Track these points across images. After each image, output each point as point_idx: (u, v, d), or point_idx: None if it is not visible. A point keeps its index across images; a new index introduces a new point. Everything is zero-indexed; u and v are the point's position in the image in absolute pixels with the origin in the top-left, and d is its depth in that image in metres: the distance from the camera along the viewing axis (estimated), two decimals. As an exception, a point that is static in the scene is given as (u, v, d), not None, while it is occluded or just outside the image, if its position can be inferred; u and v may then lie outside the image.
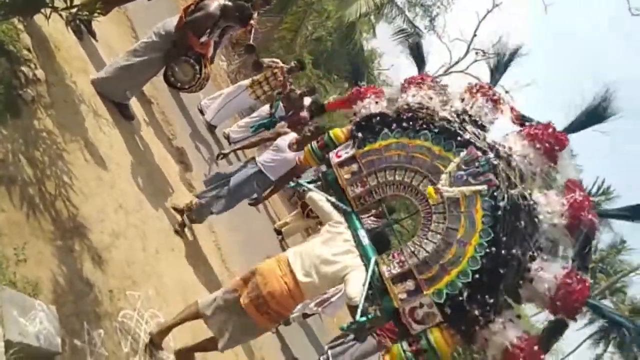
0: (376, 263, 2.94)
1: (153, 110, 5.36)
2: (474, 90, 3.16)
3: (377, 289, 2.87)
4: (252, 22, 6.61)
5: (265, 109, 7.83)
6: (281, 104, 7.72)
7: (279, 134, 5.52)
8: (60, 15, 3.03)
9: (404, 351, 2.72)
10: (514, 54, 3.30)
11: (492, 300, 2.62)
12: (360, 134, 3.26)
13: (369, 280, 2.86)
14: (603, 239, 25.75)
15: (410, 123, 3.11)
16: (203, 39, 4.35)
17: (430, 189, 2.93)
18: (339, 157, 3.29)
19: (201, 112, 7.32)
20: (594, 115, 2.93)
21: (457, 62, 16.93)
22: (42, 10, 2.93)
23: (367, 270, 2.93)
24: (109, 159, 3.70)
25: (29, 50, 3.13)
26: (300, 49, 13.19)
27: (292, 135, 5.26)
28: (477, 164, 2.85)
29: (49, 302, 2.40)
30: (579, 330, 24.89)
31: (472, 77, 16.94)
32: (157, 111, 5.46)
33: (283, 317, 3.29)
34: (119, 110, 4.35)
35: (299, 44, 12.87)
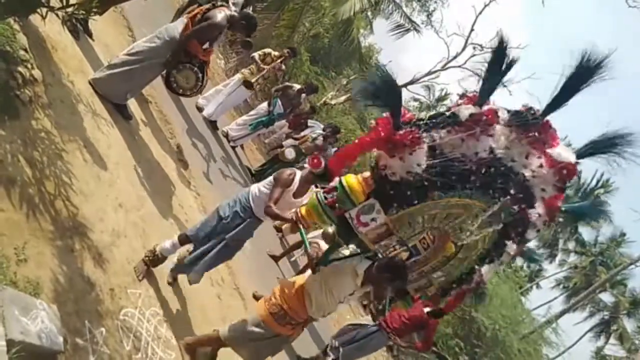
0: None
1: (151, 110, 5.35)
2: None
3: None
4: None
5: (263, 106, 7.85)
6: (279, 102, 7.73)
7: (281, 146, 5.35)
8: (57, 15, 3.03)
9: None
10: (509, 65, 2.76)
11: None
12: (393, 204, 2.83)
13: None
14: (603, 232, 25.89)
15: (456, 182, 2.76)
16: (206, 46, 4.39)
17: (450, 245, 3.12)
18: (365, 225, 2.89)
19: (199, 109, 7.32)
20: (609, 144, 2.76)
21: (455, 57, 16.85)
22: (38, 10, 2.93)
23: None
24: (107, 158, 3.70)
25: (25, 50, 3.13)
26: (297, 46, 13.17)
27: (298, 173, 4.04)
28: (503, 213, 2.86)
29: (50, 301, 2.41)
30: (579, 324, 25.05)
31: (470, 72, 16.93)
32: (155, 110, 5.45)
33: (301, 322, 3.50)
34: (117, 110, 4.35)
35: (297, 41, 12.85)
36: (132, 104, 4.78)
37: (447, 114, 2.68)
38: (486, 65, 2.71)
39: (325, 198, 2.96)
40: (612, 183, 25.61)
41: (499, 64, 2.68)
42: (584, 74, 2.64)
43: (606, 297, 25.37)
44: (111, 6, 4.88)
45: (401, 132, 2.63)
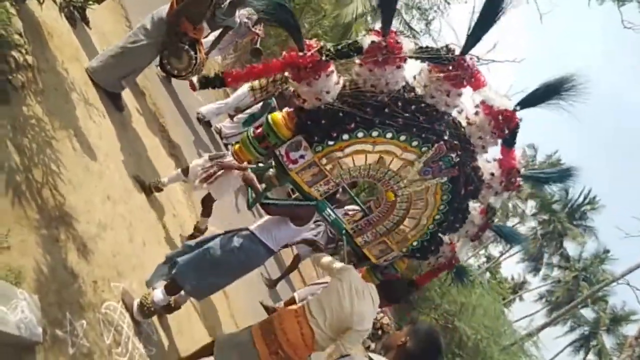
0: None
1: (145, 102, 5.31)
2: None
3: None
4: (258, 31, 6.64)
5: (258, 107, 7.80)
6: (274, 101, 7.72)
7: None
8: (54, 2, 3.00)
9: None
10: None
11: None
12: (314, 137, 2.84)
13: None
14: (587, 248, 26.17)
15: (372, 116, 2.74)
16: (197, 25, 4.33)
17: (389, 194, 3.06)
18: (294, 162, 2.90)
19: (205, 122, 7.31)
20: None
21: (451, 67, 16.97)
22: (36, -5, 2.90)
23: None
24: (98, 148, 3.66)
25: (20, 35, 3.08)
26: (295, 46, 13.16)
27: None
28: (441, 162, 2.90)
29: (32, 291, 2.37)
30: (559, 338, 25.29)
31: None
32: (149, 103, 5.41)
33: None
34: (111, 100, 4.31)
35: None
36: (127, 96, 4.74)
37: (350, 42, 2.68)
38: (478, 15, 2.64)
39: (254, 137, 2.92)
40: (599, 200, 25.96)
41: (490, 16, 2.63)
42: (553, 90, 2.73)
43: (587, 313, 25.69)
44: (110, -5, 4.84)
45: (304, 55, 2.62)
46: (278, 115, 2.90)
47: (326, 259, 3.49)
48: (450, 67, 2.67)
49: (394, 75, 2.68)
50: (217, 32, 6.46)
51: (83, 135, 3.53)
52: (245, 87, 7.52)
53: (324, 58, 2.63)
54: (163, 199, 4.58)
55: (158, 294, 3.30)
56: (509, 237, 3.47)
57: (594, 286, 23.86)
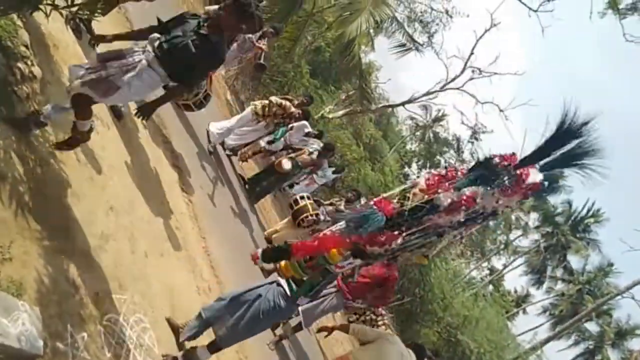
0: None
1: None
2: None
3: None
4: (262, 46, 6.69)
5: (262, 124, 7.79)
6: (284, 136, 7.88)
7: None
8: (61, 14, 3.02)
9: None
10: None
11: None
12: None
13: None
14: (591, 261, 26.01)
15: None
16: None
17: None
18: (341, 267, 3.28)
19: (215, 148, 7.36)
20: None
21: (453, 79, 17.04)
22: (42, 8, 2.91)
23: None
24: (101, 160, 3.66)
25: (26, 47, 3.10)
26: (298, 58, 13.24)
27: None
28: None
29: (33, 302, 2.36)
30: (563, 351, 25.03)
31: (468, 95, 17.09)
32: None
33: None
34: (110, 109, 4.32)
35: (298, 53, 12.92)
36: (131, 107, 4.75)
37: (428, 206, 2.86)
38: (548, 133, 2.81)
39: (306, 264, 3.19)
40: (603, 213, 25.86)
41: (561, 137, 2.78)
42: (564, 137, 2.78)
43: (592, 327, 25.46)
44: (115, 7, 4.88)
45: (382, 237, 2.90)
46: (337, 256, 3.10)
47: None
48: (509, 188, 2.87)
49: (461, 215, 2.89)
50: None
51: (86, 147, 3.53)
52: (248, 110, 7.55)
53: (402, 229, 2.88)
54: (166, 211, 4.57)
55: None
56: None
57: (598, 299, 23.68)
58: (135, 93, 3.13)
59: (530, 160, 2.88)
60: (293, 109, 7.53)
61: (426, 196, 2.86)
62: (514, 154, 2.91)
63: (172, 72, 3.09)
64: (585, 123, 2.72)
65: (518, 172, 2.87)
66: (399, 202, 2.92)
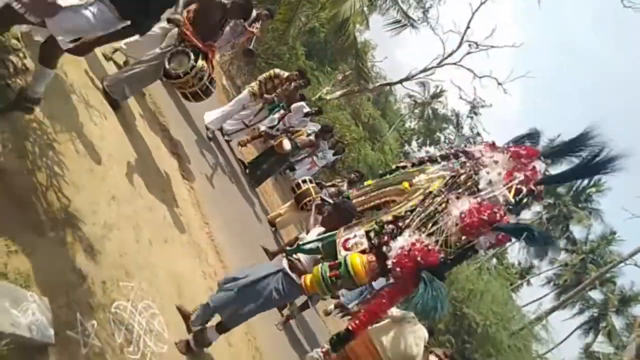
0: None
1: (145, 102, 5.31)
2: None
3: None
4: (254, 30, 6.64)
5: (258, 107, 7.78)
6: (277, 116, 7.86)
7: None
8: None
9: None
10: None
11: None
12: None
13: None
14: (594, 230, 26.12)
15: None
16: (207, 42, 4.50)
17: (405, 183, 3.27)
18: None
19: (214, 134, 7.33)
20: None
21: (450, 54, 16.91)
22: None
23: None
24: (100, 150, 3.66)
25: (17, 39, 3.08)
26: (293, 40, 13.12)
27: None
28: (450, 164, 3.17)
29: (41, 293, 2.39)
30: (568, 321, 25.31)
31: (465, 69, 16.96)
32: (150, 102, 5.41)
33: None
34: (105, 96, 4.31)
35: (292, 35, 12.80)
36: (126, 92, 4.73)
37: (469, 253, 2.86)
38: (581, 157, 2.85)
39: (329, 276, 2.97)
40: (604, 182, 25.86)
41: (592, 162, 2.79)
42: (594, 167, 2.80)
43: (596, 295, 25.69)
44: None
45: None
46: (358, 262, 2.90)
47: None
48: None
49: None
50: None
51: (85, 137, 3.53)
52: (245, 92, 7.52)
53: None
54: (168, 198, 4.59)
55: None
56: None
57: (602, 268, 23.85)
58: (77, 25, 2.82)
59: (552, 180, 2.95)
60: (287, 74, 7.57)
61: (464, 237, 2.77)
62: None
63: (122, 7, 2.91)
64: (615, 158, 2.72)
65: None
66: (440, 247, 2.79)
